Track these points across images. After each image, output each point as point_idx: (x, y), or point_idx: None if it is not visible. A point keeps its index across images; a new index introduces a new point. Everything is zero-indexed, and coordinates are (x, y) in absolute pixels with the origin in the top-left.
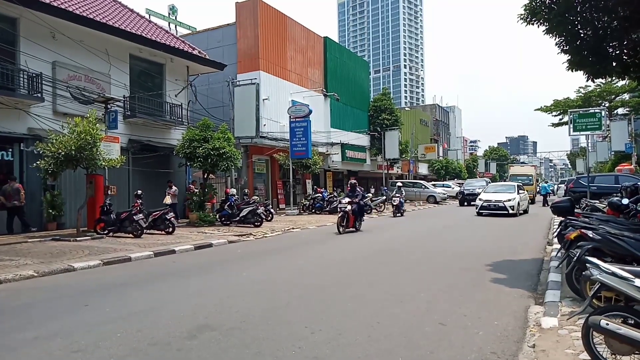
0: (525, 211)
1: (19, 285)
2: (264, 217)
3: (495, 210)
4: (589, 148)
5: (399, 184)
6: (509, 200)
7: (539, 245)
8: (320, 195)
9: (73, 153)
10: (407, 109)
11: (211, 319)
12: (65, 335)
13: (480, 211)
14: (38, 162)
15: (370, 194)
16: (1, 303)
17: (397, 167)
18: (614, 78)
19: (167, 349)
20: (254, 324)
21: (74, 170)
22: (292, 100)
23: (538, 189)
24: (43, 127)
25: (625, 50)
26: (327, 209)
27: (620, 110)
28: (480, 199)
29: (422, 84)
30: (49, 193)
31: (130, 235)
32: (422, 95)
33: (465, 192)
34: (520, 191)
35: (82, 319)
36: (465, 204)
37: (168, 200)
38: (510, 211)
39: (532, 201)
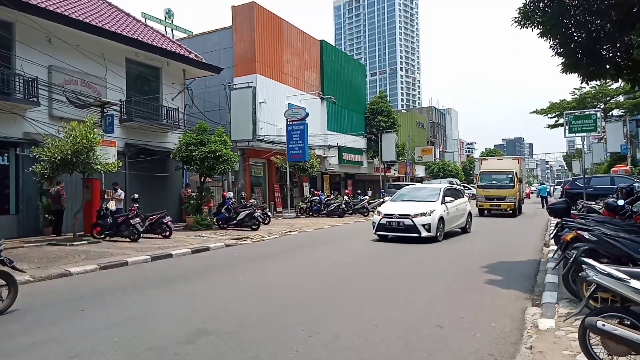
0: (464, 230)
1: None
2: (261, 220)
3: (399, 232)
4: (585, 149)
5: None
6: (423, 214)
7: (536, 247)
8: (318, 198)
9: (69, 157)
10: (403, 111)
11: (208, 323)
12: (61, 341)
13: (380, 233)
14: (34, 167)
15: (367, 197)
16: None
17: (394, 170)
18: (608, 80)
19: (164, 354)
20: (252, 327)
21: (70, 175)
22: (288, 103)
23: (530, 191)
24: (39, 131)
25: (618, 53)
26: (325, 211)
27: (615, 112)
28: (379, 212)
29: (419, 86)
30: (45, 197)
31: (127, 239)
32: (419, 97)
33: None
34: (450, 198)
35: (79, 324)
36: None
37: (112, 206)
38: (424, 233)
39: (516, 212)
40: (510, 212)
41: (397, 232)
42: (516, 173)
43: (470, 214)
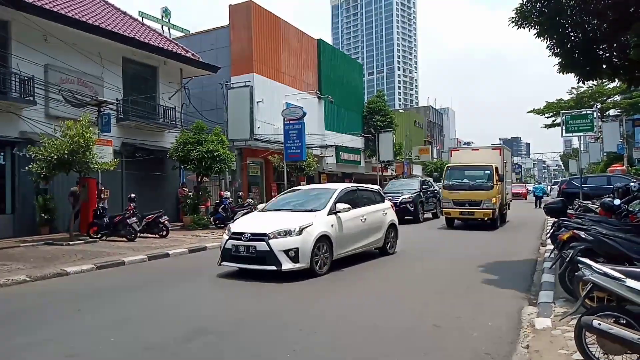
0: (384, 251)
1: (12, 290)
2: None
3: (248, 264)
4: (582, 149)
5: None
6: (287, 233)
7: (533, 246)
8: None
9: (66, 157)
10: (401, 111)
11: (207, 323)
12: (59, 341)
13: (226, 263)
14: (30, 166)
15: None
16: None
17: (391, 169)
18: (604, 80)
19: (162, 353)
20: (250, 326)
21: (66, 174)
22: (286, 102)
23: (526, 191)
24: (35, 130)
25: (614, 53)
26: None
27: (611, 112)
28: (228, 230)
29: (416, 86)
30: (41, 197)
31: (124, 239)
32: (416, 97)
33: None
34: (344, 206)
35: (76, 324)
36: None
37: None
38: (287, 264)
39: (496, 222)
40: (489, 221)
41: (246, 262)
42: (496, 168)
43: (393, 226)
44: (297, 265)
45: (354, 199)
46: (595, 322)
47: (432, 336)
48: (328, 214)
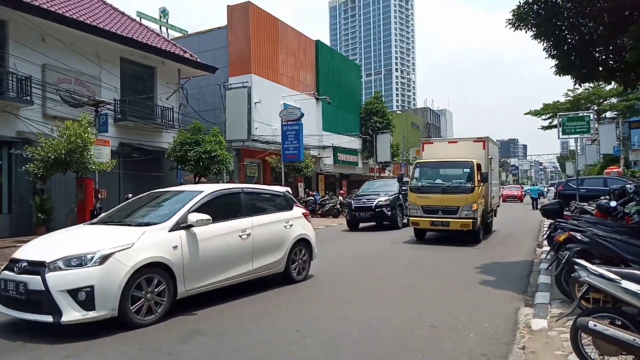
0: (288, 277)
1: None
2: None
3: (21, 310)
4: (578, 151)
5: None
6: (79, 261)
7: (529, 247)
8: (313, 198)
9: (63, 157)
10: (398, 112)
11: (202, 324)
12: (54, 340)
13: None
14: (27, 166)
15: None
16: None
17: (389, 170)
18: (601, 82)
19: (157, 354)
20: (246, 328)
21: (63, 174)
22: (284, 103)
23: (522, 193)
24: (32, 130)
25: (611, 55)
26: (320, 212)
27: (608, 114)
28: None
29: (414, 87)
30: (38, 197)
31: None
32: (414, 98)
33: (356, 204)
34: (200, 217)
35: (71, 325)
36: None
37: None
38: (71, 313)
39: (478, 234)
40: (468, 233)
41: (16, 307)
42: (479, 165)
43: (302, 242)
44: (91, 314)
45: (232, 207)
46: (591, 324)
47: (429, 337)
48: (171, 230)
